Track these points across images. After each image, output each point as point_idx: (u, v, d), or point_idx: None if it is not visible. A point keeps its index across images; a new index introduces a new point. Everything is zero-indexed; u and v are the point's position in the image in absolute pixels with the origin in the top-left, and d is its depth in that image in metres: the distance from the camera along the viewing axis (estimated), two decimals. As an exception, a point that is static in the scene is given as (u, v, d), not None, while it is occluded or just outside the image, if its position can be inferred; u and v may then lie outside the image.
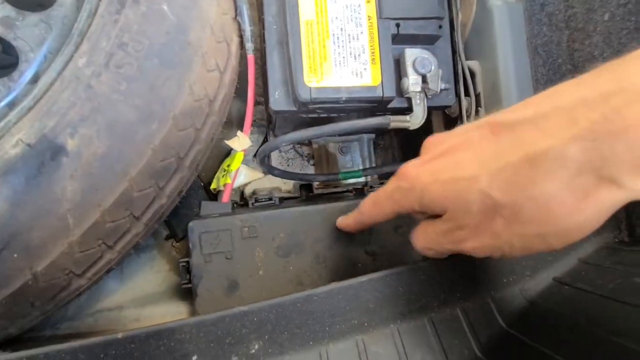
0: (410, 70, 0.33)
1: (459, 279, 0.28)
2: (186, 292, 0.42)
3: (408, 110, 0.35)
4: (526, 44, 0.34)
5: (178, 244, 0.51)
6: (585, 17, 0.32)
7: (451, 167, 0.21)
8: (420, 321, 0.26)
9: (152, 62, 0.28)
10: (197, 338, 0.24)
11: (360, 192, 0.44)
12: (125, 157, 0.27)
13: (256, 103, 0.57)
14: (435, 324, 0.26)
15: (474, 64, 0.38)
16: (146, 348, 0.23)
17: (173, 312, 0.39)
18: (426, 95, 0.34)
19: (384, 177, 0.42)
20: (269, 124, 0.52)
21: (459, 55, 0.36)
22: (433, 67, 0.33)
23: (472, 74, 0.38)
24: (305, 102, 0.31)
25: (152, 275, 0.46)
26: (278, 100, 0.32)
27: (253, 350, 0.25)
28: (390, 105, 0.35)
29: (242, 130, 0.38)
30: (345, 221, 0.33)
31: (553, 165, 0.16)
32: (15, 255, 0.25)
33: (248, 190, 0.50)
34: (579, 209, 0.16)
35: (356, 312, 0.26)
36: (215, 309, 0.31)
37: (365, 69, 0.32)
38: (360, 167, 0.52)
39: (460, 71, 0.36)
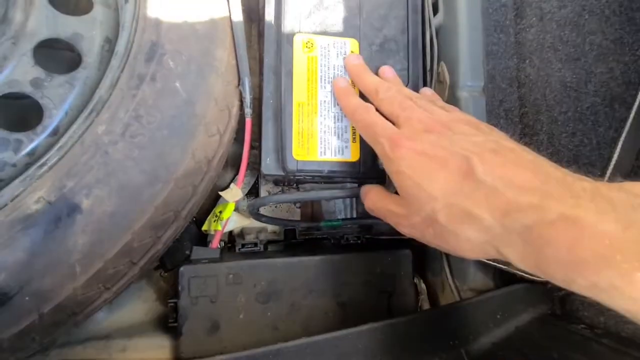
0: (385, 148, 0.38)
1: (410, 341, 0.32)
2: (171, 328, 0.46)
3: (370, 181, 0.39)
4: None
5: (166, 274, 0.55)
6: (534, 117, 0.38)
7: (425, 176, 0.26)
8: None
9: (162, 132, 0.32)
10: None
11: (338, 243, 0.48)
12: (131, 215, 0.31)
13: (251, 147, 0.62)
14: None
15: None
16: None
17: (157, 345, 0.42)
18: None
19: (364, 228, 0.47)
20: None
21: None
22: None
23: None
24: (291, 172, 0.35)
25: (139, 304, 0.49)
26: (269, 165, 0.37)
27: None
28: (367, 177, 0.39)
29: (235, 180, 0.43)
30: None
31: (476, 225, 0.23)
32: (27, 299, 0.28)
33: (236, 229, 0.54)
34: (474, 255, 0.25)
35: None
36: (196, 348, 0.35)
37: (346, 146, 0.37)
38: (342, 215, 0.56)
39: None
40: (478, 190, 0.23)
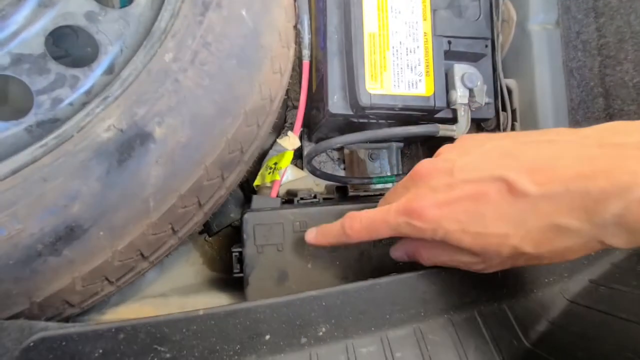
0: (458, 83, 0.35)
1: (504, 277, 0.30)
2: (226, 282, 0.44)
3: (452, 120, 0.37)
4: (562, 66, 0.37)
5: (211, 238, 0.53)
6: (616, 46, 0.36)
7: (478, 221, 0.22)
8: (471, 313, 0.28)
9: (231, 62, 0.30)
10: (270, 318, 0.26)
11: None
12: (203, 148, 0.29)
13: (291, 108, 0.60)
14: (484, 317, 0.28)
15: (511, 82, 0.41)
16: (224, 325, 0.25)
17: (215, 302, 0.40)
18: (470, 107, 0.37)
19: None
20: (304, 128, 0.55)
21: (499, 74, 0.39)
22: (479, 83, 0.36)
23: (510, 91, 0.41)
24: (365, 106, 0.33)
25: (187, 267, 0.47)
26: (336, 104, 0.35)
27: (320, 333, 0.26)
28: (437, 116, 0.37)
29: (292, 131, 0.41)
30: (324, 239, 0.31)
31: (571, 235, 0.20)
32: (101, 234, 0.26)
33: (282, 190, 0.52)
34: (579, 254, 0.22)
35: (414, 302, 0.28)
36: (265, 297, 0.33)
37: (420, 80, 0.34)
38: (388, 174, 0.54)
39: (499, 88, 0.40)
40: (542, 203, 0.20)
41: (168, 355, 0.24)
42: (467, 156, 0.24)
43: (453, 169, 0.24)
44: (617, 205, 0.18)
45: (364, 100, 0.33)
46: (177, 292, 0.41)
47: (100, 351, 0.23)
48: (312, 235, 0.32)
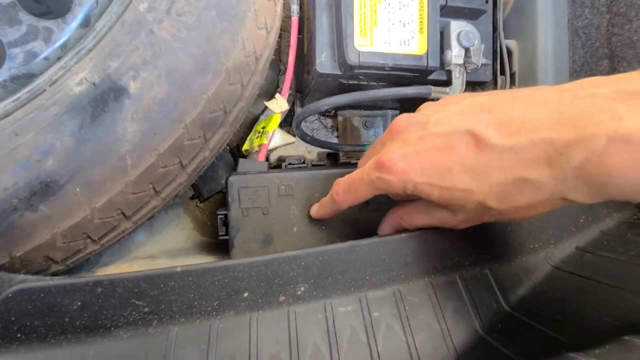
0: (454, 42, 0.33)
1: (489, 242, 0.29)
2: (216, 247, 0.44)
3: (446, 83, 0.36)
4: (567, 25, 0.35)
5: (202, 204, 0.53)
6: (627, 2, 0.33)
7: (444, 174, 0.22)
8: (452, 277, 0.28)
9: (210, 13, 0.28)
10: (248, 277, 0.26)
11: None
12: (182, 105, 0.28)
13: (283, 72, 0.57)
14: (466, 280, 0.28)
15: (511, 43, 0.39)
16: (202, 282, 0.25)
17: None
18: (466, 69, 0.35)
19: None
20: (296, 93, 0.53)
21: (499, 33, 0.37)
22: (476, 42, 0.34)
23: (509, 53, 0.39)
24: (353, 65, 0.32)
25: (178, 231, 0.47)
26: (324, 63, 0.33)
27: (299, 292, 0.26)
28: (430, 77, 0.36)
29: (280, 94, 0.39)
30: (322, 211, 0.32)
31: (533, 189, 0.20)
32: (78, 190, 0.26)
33: (273, 157, 0.51)
34: (542, 211, 0.21)
35: (394, 264, 0.28)
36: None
37: (412, 37, 0.32)
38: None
39: (498, 48, 0.37)
40: (507, 155, 0.20)
41: (146, 309, 0.24)
42: (443, 111, 0.24)
43: (427, 123, 0.24)
44: (579, 156, 0.18)
45: (352, 59, 0.31)
46: (167, 255, 0.42)
47: (79, 304, 0.23)
48: (314, 211, 0.34)
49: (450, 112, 0.24)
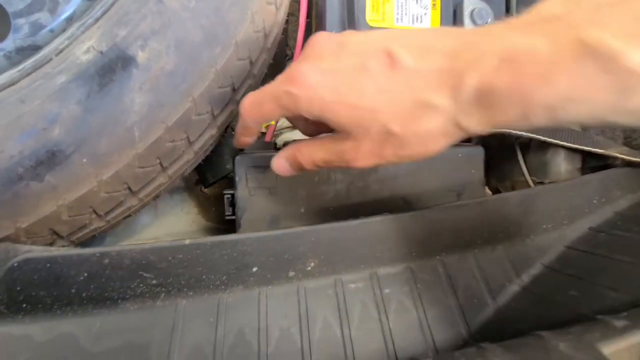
0: (467, 20, 0.33)
1: (502, 221, 0.29)
2: (220, 232, 0.44)
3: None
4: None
5: (207, 189, 0.52)
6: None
7: (353, 91, 0.22)
8: (464, 255, 0.28)
9: (220, -17, 0.28)
10: (258, 251, 0.25)
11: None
12: (190, 77, 0.28)
13: (290, 57, 0.57)
14: (478, 259, 0.28)
15: (524, 24, 0.38)
16: (210, 255, 0.25)
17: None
18: (478, 48, 0.34)
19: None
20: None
21: (512, 13, 0.36)
22: (490, 20, 0.33)
23: (522, 34, 0.38)
24: (364, 41, 0.31)
25: (182, 215, 0.47)
26: (334, 40, 0.32)
27: (309, 268, 0.26)
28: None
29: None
30: (237, 138, 0.29)
31: (434, 112, 0.21)
32: (85, 160, 0.25)
33: (280, 142, 0.51)
34: (437, 145, 0.22)
35: (405, 241, 0.27)
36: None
37: (425, 13, 0.32)
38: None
39: (511, 29, 0.37)
40: (415, 77, 0.21)
41: (154, 281, 0.24)
42: (364, 34, 0.24)
43: (345, 42, 0.23)
44: (474, 76, 0.19)
45: (363, 34, 0.30)
46: (171, 237, 0.42)
47: (85, 274, 0.23)
48: (234, 140, 0.30)
49: (371, 35, 0.23)
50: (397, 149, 0.22)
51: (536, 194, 0.29)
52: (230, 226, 0.38)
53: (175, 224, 0.45)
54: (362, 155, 0.24)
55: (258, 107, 0.25)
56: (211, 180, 0.50)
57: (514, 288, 0.26)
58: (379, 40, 0.22)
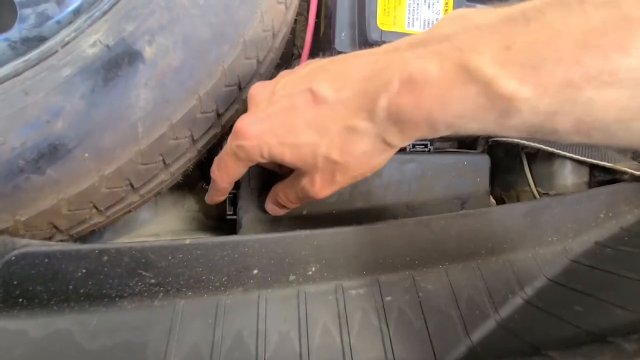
0: (478, 27, 0.32)
1: (507, 232, 0.29)
2: (221, 230, 0.43)
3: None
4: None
5: (208, 187, 0.52)
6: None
7: (291, 131, 0.24)
8: (468, 265, 0.27)
9: (230, -19, 0.28)
10: (259, 253, 0.25)
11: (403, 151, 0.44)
12: (197, 74, 0.27)
13: (297, 56, 0.56)
14: (481, 269, 0.27)
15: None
16: (211, 256, 0.24)
17: (208, 245, 0.40)
18: (488, 56, 0.34)
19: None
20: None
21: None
22: (501, 27, 0.33)
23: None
24: (373, 44, 0.31)
25: (183, 212, 0.46)
26: (343, 42, 0.32)
27: (310, 272, 0.26)
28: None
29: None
30: (210, 195, 0.32)
31: (361, 136, 0.22)
32: (87, 155, 0.25)
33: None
34: (379, 161, 0.24)
35: (409, 249, 0.27)
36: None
37: (437, 18, 0.31)
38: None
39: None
40: (337, 107, 0.22)
41: (153, 280, 0.23)
42: (290, 75, 0.26)
43: (275, 87, 0.25)
44: (383, 100, 0.21)
45: (373, 37, 0.30)
46: (171, 234, 0.41)
47: (84, 271, 0.23)
48: (206, 197, 0.33)
49: (296, 75, 0.25)
50: (346, 173, 0.24)
51: (543, 205, 0.29)
52: (231, 225, 0.38)
53: (175, 222, 0.45)
54: (319, 186, 0.26)
55: (224, 168, 0.28)
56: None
57: (517, 301, 0.26)
58: (302, 80, 0.24)
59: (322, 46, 0.43)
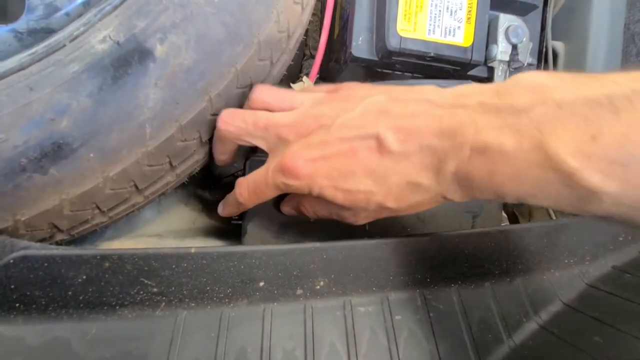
0: (501, 37, 0.31)
1: (522, 252, 0.28)
2: (224, 232, 0.43)
3: (486, 80, 0.33)
4: (623, 30, 0.32)
5: (212, 187, 0.51)
6: (692, 10, 0.31)
7: (348, 178, 0.23)
8: (480, 285, 0.26)
9: (247, -21, 0.26)
10: (266, 265, 0.24)
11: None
12: (209, 75, 0.26)
13: (308, 57, 0.55)
14: (494, 290, 0.26)
15: (558, 45, 0.36)
16: (216, 266, 0.23)
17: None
18: (509, 67, 0.33)
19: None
20: (318, 80, 0.51)
21: (547, 32, 0.35)
22: (525, 39, 0.32)
23: (555, 55, 0.36)
24: (393, 50, 0.29)
25: (186, 212, 0.46)
26: (360, 47, 0.31)
27: (318, 287, 0.25)
28: (471, 73, 0.33)
29: (307, 77, 0.37)
30: (228, 210, 0.32)
31: (421, 190, 0.22)
32: (92, 155, 0.24)
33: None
34: (428, 207, 0.24)
35: (421, 266, 0.26)
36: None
37: (459, 27, 0.30)
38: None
39: (544, 49, 0.35)
40: (402, 160, 0.22)
41: (155, 289, 0.23)
42: (345, 113, 0.24)
43: (331, 127, 0.24)
44: (452, 163, 0.20)
45: (392, 43, 0.29)
46: (173, 235, 0.40)
47: (84, 277, 0.22)
48: (220, 209, 0.33)
49: (353, 114, 0.24)
50: (392, 213, 0.25)
51: (561, 226, 0.28)
52: (234, 227, 0.37)
53: (178, 221, 0.44)
54: (360, 219, 0.26)
55: (260, 195, 0.27)
56: (218, 179, 0.49)
57: (532, 325, 0.25)
58: (363, 124, 0.23)
59: (335, 48, 0.42)
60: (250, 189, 0.28)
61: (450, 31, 0.30)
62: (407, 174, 0.22)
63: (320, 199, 0.26)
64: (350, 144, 0.23)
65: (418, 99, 0.23)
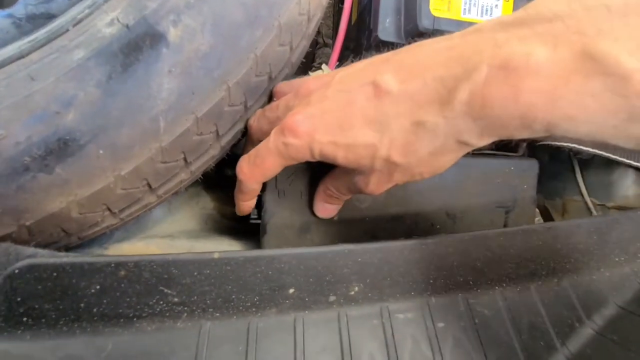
0: (541, 16, 0.29)
1: (570, 251, 0.25)
2: (238, 231, 0.40)
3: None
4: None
5: (225, 184, 0.49)
6: None
7: (347, 131, 0.21)
8: (527, 287, 0.24)
9: (267, -46, 0.24)
10: (296, 270, 0.22)
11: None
12: (226, 62, 0.24)
13: (322, 45, 0.53)
14: (541, 292, 0.24)
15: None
16: (242, 272, 0.21)
17: (227, 249, 0.37)
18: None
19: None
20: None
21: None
22: (566, 17, 0.29)
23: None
24: (425, 31, 0.27)
25: (198, 210, 0.43)
26: (387, 30, 0.29)
27: (352, 292, 0.22)
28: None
29: (326, 65, 0.35)
30: (236, 200, 0.29)
31: (430, 133, 0.19)
32: (101, 152, 0.22)
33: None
34: (445, 162, 0.21)
35: (463, 268, 0.24)
36: (283, 248, 0.29)
37: (497, 5, 0.28)
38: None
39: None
40: (402, 101, 0.20)
41: (176, 299, 0.21)
42: (348, 69, 0.23)
43: (331, 82, 0.23)
44: (465, 90, 0.17)
45: (425, 24, 0.27)
46: (185, 235, 0.38)
47: (98, 287, 0.20)
48: (236, 206, 0.30)
49: (354, 69, 0.23)
50: (405, 173, 0.22)
51: (612, 222, 0.26)
52: (249, 226, 0.35)
53: (190, 221, 0.42)
54: (373, 184, 0.24)
55: (259, 165, 0.24)
56: (230, 173, 0.47)
57: (586, 331, 0.23)
58: (362, 73, 0.22)
59: (353, 35, 0.39)
60: (249, 159, 0.25)
61: (487, 10, 0.28)
62: (409, 113, 0.19)
63: (336, 172, 0.26)
64: (348, 95, 0.21)
65: (423, 43, 0.21)
